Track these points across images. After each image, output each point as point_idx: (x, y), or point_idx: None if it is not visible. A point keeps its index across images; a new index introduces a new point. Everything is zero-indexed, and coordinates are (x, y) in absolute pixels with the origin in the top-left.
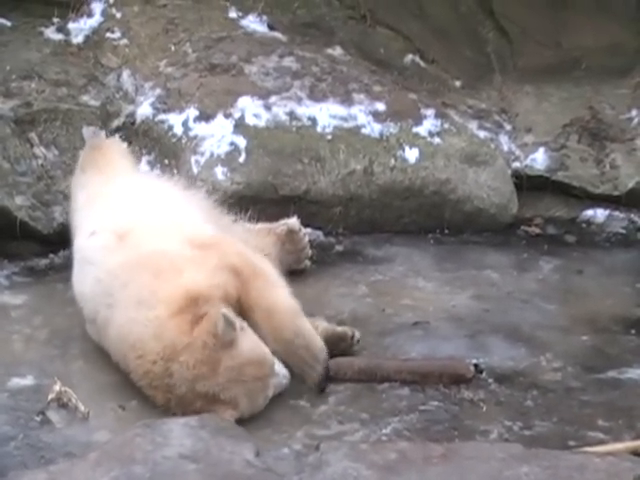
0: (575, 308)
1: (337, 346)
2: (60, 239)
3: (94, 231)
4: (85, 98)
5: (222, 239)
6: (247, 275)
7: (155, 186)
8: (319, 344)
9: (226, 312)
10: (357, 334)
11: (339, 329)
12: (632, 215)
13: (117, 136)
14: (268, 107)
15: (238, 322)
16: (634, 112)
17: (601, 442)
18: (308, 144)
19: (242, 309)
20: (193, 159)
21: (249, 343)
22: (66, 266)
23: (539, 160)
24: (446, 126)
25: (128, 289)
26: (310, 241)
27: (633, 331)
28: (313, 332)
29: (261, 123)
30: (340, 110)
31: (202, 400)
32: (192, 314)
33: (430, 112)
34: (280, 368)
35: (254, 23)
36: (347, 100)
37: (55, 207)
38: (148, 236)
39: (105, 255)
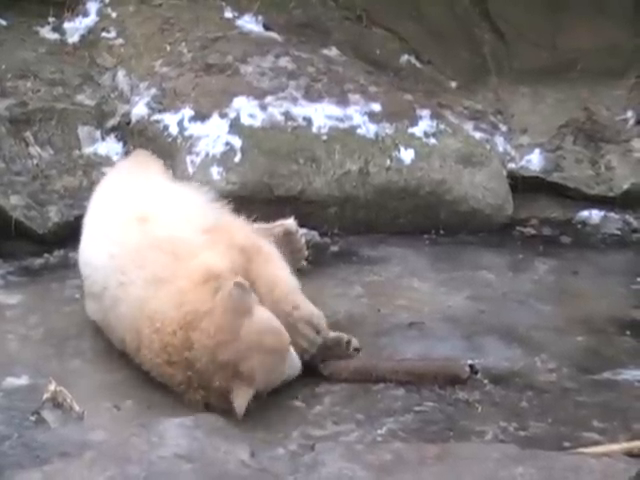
0: (570, 309)
1: (332, 350)
2: (55, 239)
3: (114, 209)
4: (80, 98)
5: (229, 222)
6: (252, 253)
7: (178, 185)
8: (318, 318)
9: (240, 280)
10: (355, 342)
11: (333, 334)
12: (627, 216)
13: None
14: (264, 107)
15: (253, 294)
16: (629, 113)
17: (596, 443)
18: (303, 144)
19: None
20: (188, 159)
21: (266, 313)
22: (61, 266)
23: (534, 161)
24: (442, 127)
25: (145, 269)
26: (306, 242)
27: (628, 332)
28: (312, 307)
29: (256, 123)
30: (336, 110)
31: (222, 372)
32: (215, 285)
33: (426, 113)
34: (292, 352)
35: (250, 23)
36: (343, 100)
37: (50, 207)
38: (165, 223)
39: (123, 234)
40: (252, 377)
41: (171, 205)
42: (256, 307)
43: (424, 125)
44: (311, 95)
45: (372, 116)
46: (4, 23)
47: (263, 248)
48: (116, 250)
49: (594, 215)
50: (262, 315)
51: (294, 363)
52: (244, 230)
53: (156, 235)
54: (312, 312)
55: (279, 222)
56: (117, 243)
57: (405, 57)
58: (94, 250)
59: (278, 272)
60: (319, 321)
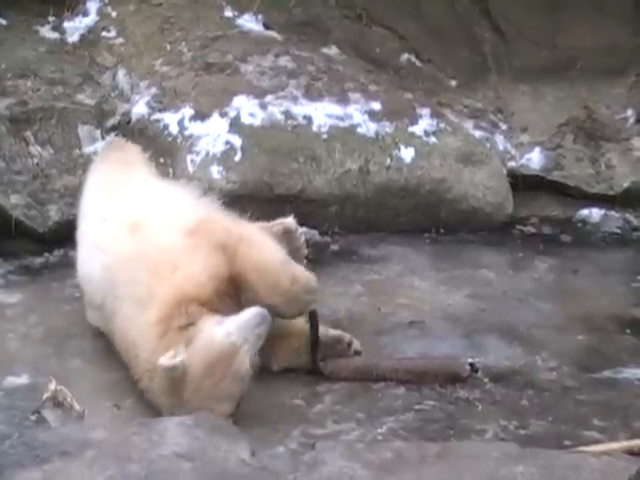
0: (571, 307)
1: (333, 348)
2: (55, 238)
3: (106, 218)
4: (80, 97)
5: (207, 219)
6: (233, 246)
7: (168, 186)
8: (312, 279)
9: (164, 363)
10: (357, 344)
11: (334, 332)
12: (627, 215)
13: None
14: (264, 106)
15: (185, 340)
16: (629, 112)
17: (596, 441)
18: (304, 143)
19: (237, 280)
20: (189, 158)
21: (199, 356)
22: (62, 265)
23: (535, 159)
24: (442, 125)
25: (131, 286)
26: (306, 240)
27: (628, 330)
28: (302, 271)
29: (257, 122)
30: (336, 109)
31: None
32: (165, 325)
33: (426, 111)
34: (245, 323)
35: (250, 22)
36: (343, 99)
37: (50, 206)
38: (155, 229)
39: (115, 244)
40: (217, 414)
41: (161, 208)
42: (188, 360)
43: (424, 124)
44: (311, 94)
45: (372, 115)
46: (4, 22)
47: (244, 234)
48: (109, 262)
49: (594, 213)
50: (194, 366)
51: (252, 337)
52: (222, 223)
53: (144, 246)
54: (308, 278)
55: (279, 220)
56: (110, 254)
57: (405, 56)
58: (90, 263)
59: (263, 254)
60: (314, 284)
